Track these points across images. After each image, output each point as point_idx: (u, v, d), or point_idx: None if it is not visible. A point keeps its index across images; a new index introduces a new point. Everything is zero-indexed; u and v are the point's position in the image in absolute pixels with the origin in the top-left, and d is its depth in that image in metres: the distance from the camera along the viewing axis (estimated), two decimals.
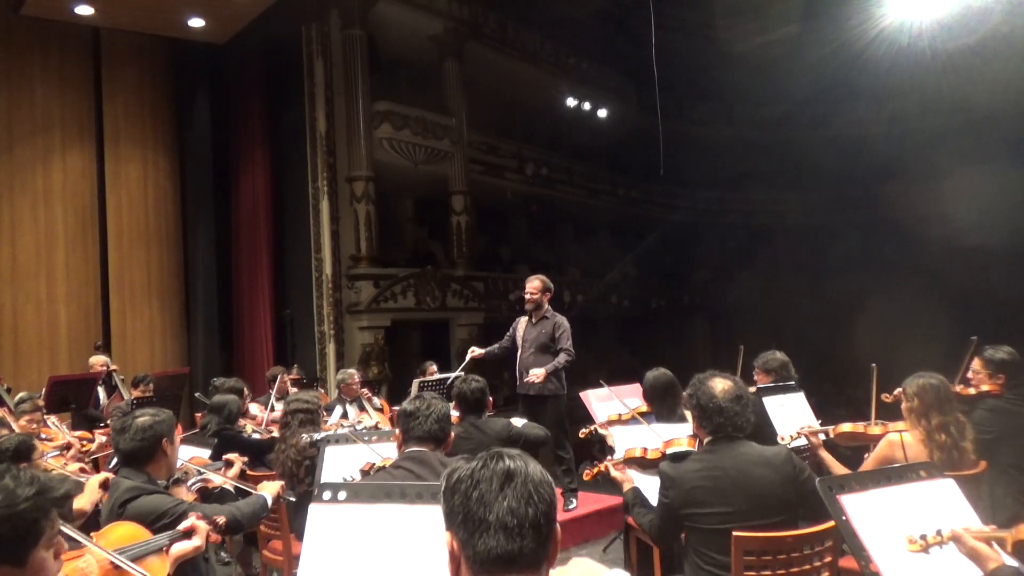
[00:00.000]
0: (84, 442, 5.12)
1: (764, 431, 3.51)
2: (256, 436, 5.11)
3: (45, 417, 5.52)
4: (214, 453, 4.12)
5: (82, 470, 3.97)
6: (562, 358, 5.35)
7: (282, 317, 10.73)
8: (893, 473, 2.19)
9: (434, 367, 7.38)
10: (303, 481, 3.90)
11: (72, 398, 6.77)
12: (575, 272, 16.44)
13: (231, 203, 11.71)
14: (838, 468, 3.22)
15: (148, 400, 6.14)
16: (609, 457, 3.33)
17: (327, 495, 1.86)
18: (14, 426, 4.59)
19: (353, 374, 6.71)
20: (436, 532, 1.71)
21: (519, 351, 5.58)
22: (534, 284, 5.55)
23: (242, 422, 5.36)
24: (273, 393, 6.46)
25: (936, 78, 13.05)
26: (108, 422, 6.50)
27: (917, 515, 2.03)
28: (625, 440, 3.45)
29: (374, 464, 3.12)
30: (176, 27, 10.42)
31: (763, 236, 19.07)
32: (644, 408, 4.04)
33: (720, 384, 2.63)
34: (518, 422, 4.21)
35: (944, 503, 2.11)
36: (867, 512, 2.05)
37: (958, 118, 14.61)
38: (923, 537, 1.89)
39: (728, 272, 18.82)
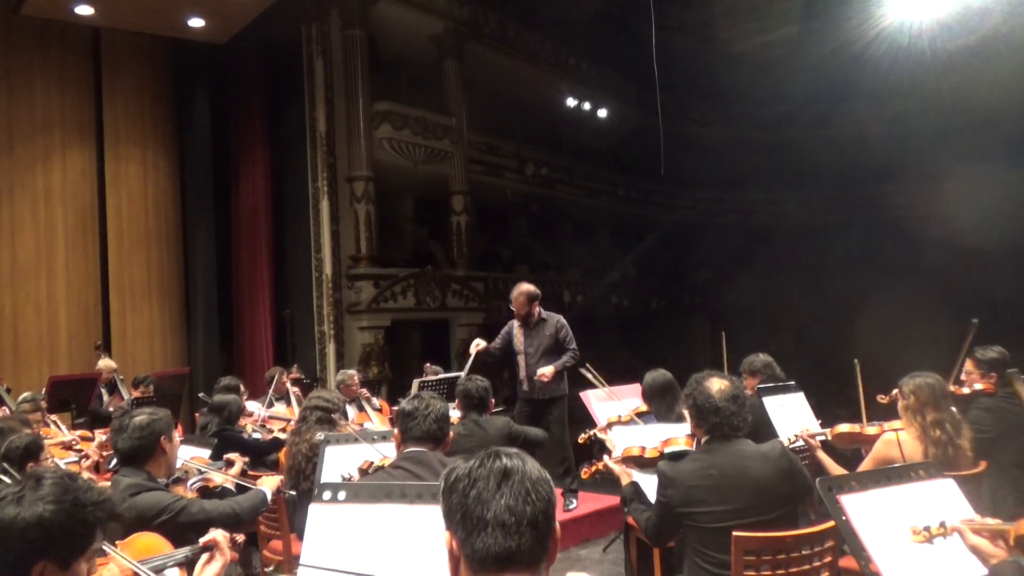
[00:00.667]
0: (84, 441, 5.12)
1: (765, 431, 3.52)
2: (257, 436, 5.11)
3: (45, 417, 5.53)
4: (214, 453, 4.12)
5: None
6: (567, 358, 5.35)
7: (282, 317, 10.74)
8: (893, 473, 2.19)
9: (437, 368, 7.39)
10: (308, 478, 3.90)
11: (72, 398, 6.79)
12: (575, 272, 16.45)
13: (231, 203, 11.71)
14: (837, 470, 3.23)
15: (148, 400, 6.15)
16: (608, 455, 3.34)
17: (327, 495, 1.86)
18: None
19: (353, 374, 6.72)
20: (436, 532, 1.71)
21: (522, 359, 5.49)
22: (519, 300, 5.43)
23: (242, 422, 5.36)
24: (271, 393, 6.46)
25: (936, 78, 13.05)
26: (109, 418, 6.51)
27: (917, 515, 2.04)
28: (624, 440, 3.46)
29: (373, 463, 3.12)
30: (176, 27, 10.41)
31: (763, 236, 19.07)
32: (643, 408, 4.04)
33: (717, 384, 2.64)
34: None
35: (944, 503, 2.11)
36: (867, 512, 2.05)
37: (958, 118, 14.62)
38: (927, 528, 1.89)
39: (728, 272, 18.82)
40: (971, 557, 1.84)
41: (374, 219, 11.05)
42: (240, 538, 2.36)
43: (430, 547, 1.70)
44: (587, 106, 15.61)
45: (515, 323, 5.57)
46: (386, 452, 3.23)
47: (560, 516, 5.23)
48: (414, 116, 11.71)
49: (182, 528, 2.68)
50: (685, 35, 15.30)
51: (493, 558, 1.17)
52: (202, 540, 2.13)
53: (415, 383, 6.14)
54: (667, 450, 2.99)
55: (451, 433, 2.77)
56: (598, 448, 3.85)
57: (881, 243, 16.57)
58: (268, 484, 3.18)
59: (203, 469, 3.42)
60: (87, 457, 4.25)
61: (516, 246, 15.64)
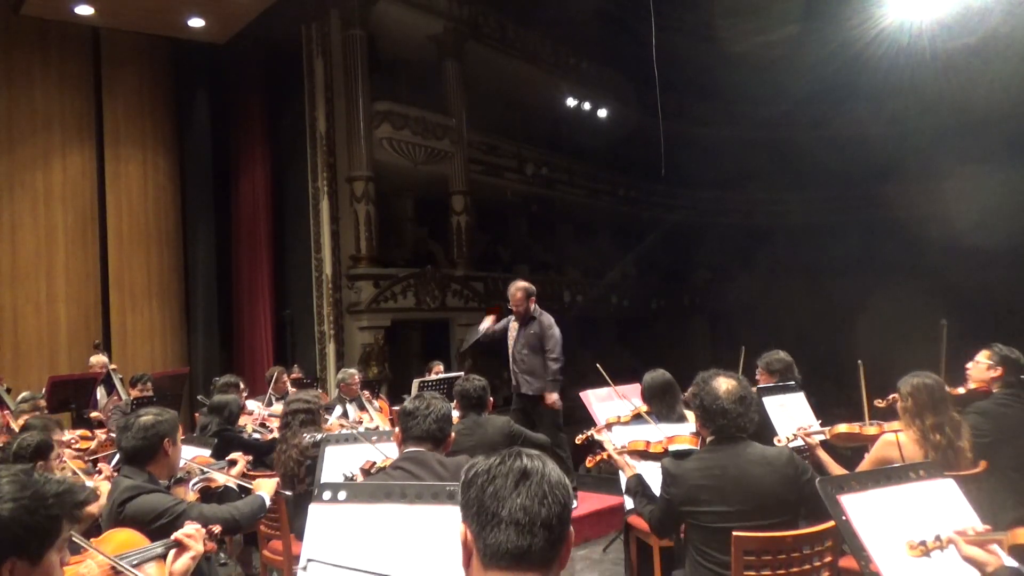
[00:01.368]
0: (84, 440, 5.12)
1: (765, 431, 3.52)
2: (256, 437, 5.11)
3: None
4: (214, 453, 4.12)
5: (84, 470, 3.97)
6: (554, 369, 5.52)
7: (282, 317, 10.74)
8: (893, 473, 2.19)
9: (440, 366, 7.39)
10: (303, 481, 3.90)
11: (72, 398, 6.78)
12: (575, 272, 16.44)
13: (231, 203, 11.71)
14: (836, 468, 3.22)
15: (148, 400, 6.14)
16: (613, 445, 3.33)
17: (327, 495, 1.86)
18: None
19: (353, 374, 6.73)
20: (436, 532, 1.72)
21: (510, 351, 5.72)
22: (516, 296, 5.66)
23: (242, 421, 5.36)
24: (270, 392, 6.46)
25: (936, 78, 13.05)
26: (103, 420, 6.51)
27: (917, 515, 2.04)
28: (625, 439, 3.45)
29: (375, 463, 3.12)
30: (176, 27, 10.41)
31: (763, 236, 19.06)
32: (644, 408, 4.04)
33: (724, 384, 2.62)
34: None
35: (944, 503, 2.11)
36: (867, 512, 2.05)
37: (958, 118, 14.62)
38: (923, 543, 1.89)
39: (728, 272, 18.82)
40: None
41: (374, 219, 11.05)
42: (216, 529, 2.37)
43: (430, 547, 1.70)
44: (587, 106, 15.61)
45: (512, 318, 5.80)
46: (386, 451, 3.23)
47: None
48: (414, 116, 11.71)
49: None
50: (685, 35, 15.31)
51: (504, 555, 1.19)
52: (174, 535, 2.14)
53: (415, 383, 6.15)
54: (672, 447, 2.99)
55: (452, 434, 2.76)
56: (597, 449, 3.85)
57: (881, 243, 16.57)
58: (266, 488, 3.18)
59: (205, 469, 3.42)
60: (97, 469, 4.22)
61: (516, 246, 15.64)
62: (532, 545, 1.18)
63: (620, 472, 3.25)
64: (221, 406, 4.98)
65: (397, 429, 2.77)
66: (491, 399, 4.35)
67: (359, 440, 3.42)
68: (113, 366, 7.65)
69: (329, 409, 6.19)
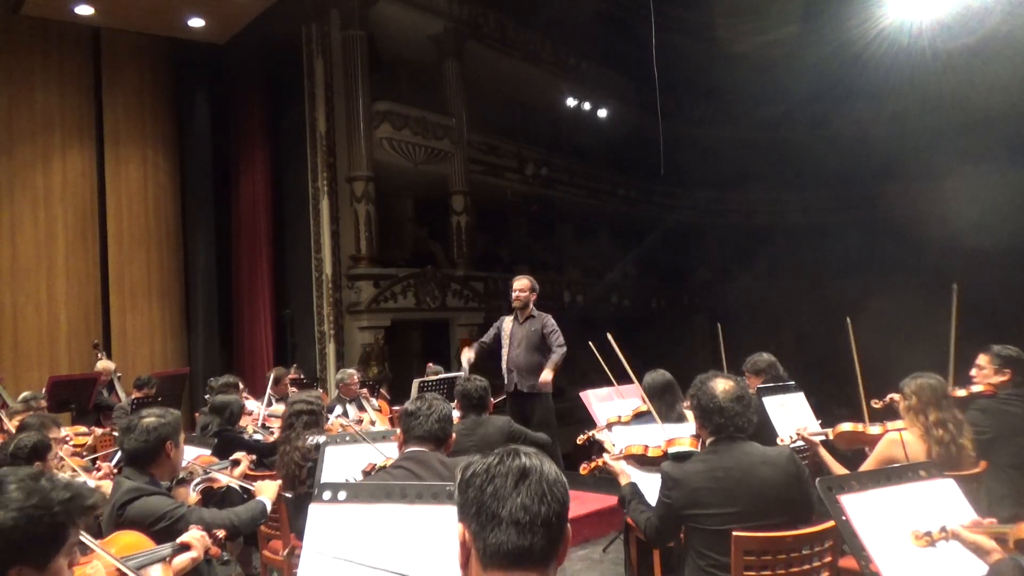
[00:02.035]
0: (79, 436, 5.12)
1: (765, 431, 3.51)
2: (257, 438, 5.11)
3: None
4: (215, 453, 4.12)
5: (83, 467, 3.97)
6: (557, 355, 5.49)
7: (282, 317, 10.74)
8: (893, 473, 2.19)
9: (438, 368, 7.39)
10: (304, 483, 3.90)
11: (72, 398, 6.79)
12: (575, 272, 16.44)
13: (231, 203, 11.71)
14: (838, 469, 3.22)
15: (149, 401, 6.14)
16: (612, 444, 3.32)
17: (327, 495, 1.86)
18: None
19: (353, 374, 6.73)
20: (436, 532, 1.72)
21: (506, 349, 5.70)
22: (522, 283, 5.67)
23: (243, 423, 5.36)
24: (270, 392, 6.46)
25: (936, 78, 13.05)
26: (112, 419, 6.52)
27: (917, 515, 2.04)
28: (624, 440, 3.45)
29: (375, 465, 3.12)
30: (176, 27, 10.42)
31: (763, 236, 19.06)
32: (644, 408, 4.04)
33: (721, 384, 2.62)
34: None
35: (944, 503, 2.11)
36: (867, 512, 2.05)
37: (958, 118, 14.62)
38: (928, 533, 1.90)
39: (728, 272, 18.81)
40: (971, 557, 1.85)
41: (374, 219, 11.05)
42: (221, 533, 2.38)
43: (430, 546, 1.70)
44: (587, 106, 15.61)
45: (506, 318, 5.80)
46: (386, 452, 3.23)
47: None
48: (414, 116, 11.71)
49: (180, 535, 2.69)
50: (685, 35, 15.32)
51: (505, 555, 1.18)
52: (180, 539, 2.14)
53: (415, 383, 6.15)
54: (671, 450, 2.96)
55: (453, 434, 2.77)
56: (597, 449, 3.85)
57: (881, 243, 16.56)
58: (268, 493, 3.18)
59: (208, 470, 3.42)
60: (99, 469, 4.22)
61: (516, 246, 15.64)
62: (533, 544, 1.18)
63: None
64: (222, 406, 4.98)
65: (399, 430, 2.77)
66: (492, 400, 4.35)
67: (359, 441, 3.41)
68: (118, 373, 7.67)
69: (329, 410, 6.19)
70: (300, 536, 2.33)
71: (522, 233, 16.05)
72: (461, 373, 5.41)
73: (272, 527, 3.87)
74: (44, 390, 6.55)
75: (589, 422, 4.45)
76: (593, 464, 3.26)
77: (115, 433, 4.65)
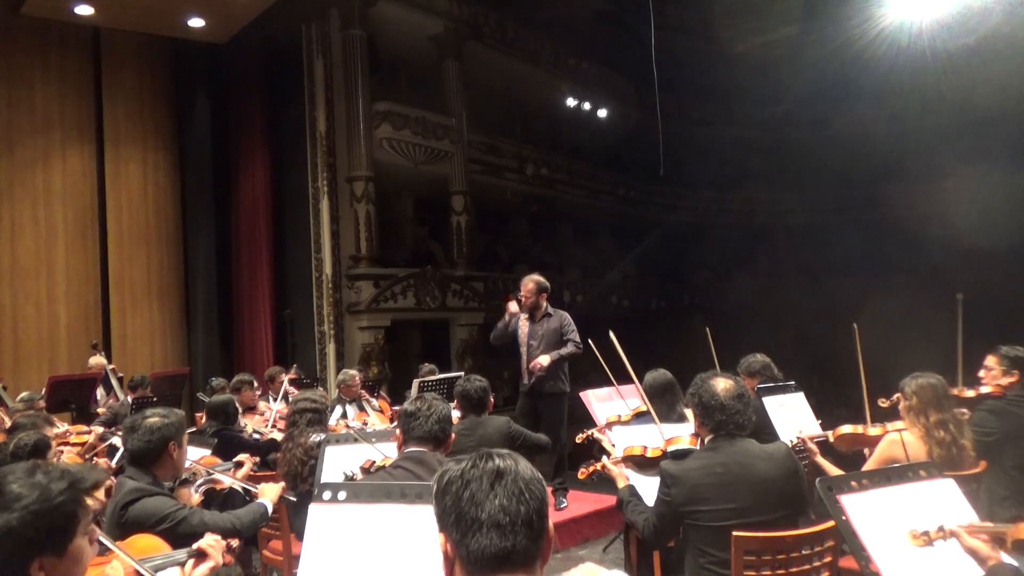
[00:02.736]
0: (79, 435, 5.12)
1: (765, 431, 3.51)
2: (256, 437, 5.11)
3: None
4: (214, 453, 4.12)
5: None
6: (569, 347, 5.38)
7: (282, 317, 10.73)
8: (893, 473, 2.19)
9: (432, 367, 7.38)
10: (306, 480, 3.90)
11: (72, 398, 6.78)
12: (575, 272, 16.43)
13: (231, 203, 11.71)
14: (836, 473, 3.21)
15: (148, 400, 6.14)
16: (612, 445, 3.32)
17: (327, 495, 1.86)
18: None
19: (354, 375, 6.72)
20: (435, 532, 1.72)
21: (524, 348, 5.54)
22: (528, 287, 5.52)
23: (242, 421, 5.36)
24: (271, 393, 6.46)
25: (936, 78, 13.05)
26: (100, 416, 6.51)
27: (917, 515, 2.03)
28: (625, 440, 3.45)
29: (375, 462, 3.12)
30: (176, 27, 10.42)
31: (763, 236, 19.05)
32: (643, 408, 4.03)
33: (722, 383, 2.64)
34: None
35: (944, 503, 2.11)
36: (867, 512, 2.05)
37: (958, 118, 14.60)
38: (926, 533, 1.90)
39: (728, 272, 18.80)
40: (969, 558, 1.85)
41: (374, 219, 11.05)
42: (235, 543, 2.38)
43: (430, 546, 1.70)
44: (587, 106, 15.60)
45: (522, 316, 5.62)
46: (386, 452, 3.23)
47: (559, 516, 5.24)
48: (414, 116, 11.70)
49: (181, 537, 2.69)
50: (685, 35, 15.31)
51: (489, 558, 1.18)
52: (196, 544, 2.15)
53: (415, 383, 6.14)
54: (670, 448, 2.97)
55: (453, 435, 2.77)
56: (597, 448, 3.85)
57: (881, 243, 16.56)
58: (270, 495, 3.18)
59: (211, 471, 3.42)
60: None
61: (516, 246, 15.63)
62: (515, 545, 1.18)
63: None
64: (219, 407, 4.99)
65: (398, 430, 2.77)
66: (491, 400, 4.35)
67: (359, 440, 3.41)
68: (112, 366, 7.64)
69: (330, 409, 6.19)
70: (300, 536, 2.33)
71: (522, 233, 16.04)
72: (461, 373, 5.39)
73: (272, 527, 3.87)
74: (44, 390, 6.55)
75: (589, 422, 4.45)
76: (592, 468, 3.26)
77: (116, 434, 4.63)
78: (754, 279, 17.70)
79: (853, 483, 2.12)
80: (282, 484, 3.41)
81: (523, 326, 5.60)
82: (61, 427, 5.14)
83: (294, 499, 3.54)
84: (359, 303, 10.81)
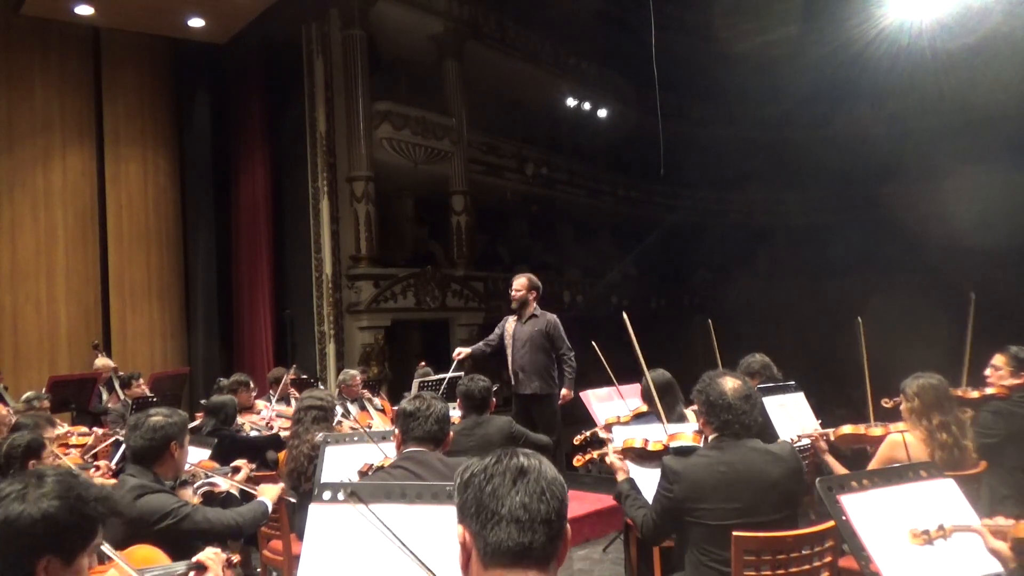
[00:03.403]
0: (80, 436, 5.12)
1: (766, 432, 3.51)
2: (255, 434, 5.11)
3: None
4: (213, 453, 4.13)
5: (80, 465, 3.97)
6: (569, 370, 5.46)
7: (282, 317, 10.73)
8: (893, 473, 2.19)
9: (428, 368, 7.38)
10: (310, 479, 3.90)
11: (72, 398, 6.78)
12: (575, 272, 16.44)
13: (231, 203, 11.71)
14: (841, 471, 3.21)
15: (148, 400, 6.14)
16: (611, 442, 3.28)
17: (327, 495, 1.86)
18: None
19: (355, 375, 6.72)
20: (436, 532, 1.72)
21: (510, 350, 5.57)
22: (520, 282, 5.55)
23: (240, 420, 5.36)
24: (271, 392, 6.45)
25: (936, 78, 13.06)
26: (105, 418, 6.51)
27: (917, 515, 2.04)
28: (626, 437, 3.43)
29: (372, 465, 3.12)
30: (176, 27, 10.42)
31: (763, 236, 19.05)
32: (644, 408, 4.03)
33: (730, 382, 2.62)
34: None
35: (944, 503, 2.11)
36: (867, 512, 2.05)
37: (958, 118, 14.61)
38: (926, 532, 1.90)
39: (728, 272, 18.81)
40: (970, 557, 1.85)
41: (374, 219, 11.05)
42: (236, 558, 2.37)
43: (430, 546, 1.70)
44: (587, 106, 15.61)
45: (509, 318, 5.66)
46: (387, 452, 3.22)
47: None
48: (414, 116, 11.70)
49: (183, 534, 2.68)
50: (685, 35, 15.32)
51: (506, 552, 1.20)
52: (196, 557, 2.14)
53: (415, 383, 6.14)
54: (673, 444, 2.95)
55: (451, 433, 2.77)
56: (596, 445, 3.84)
57: (881, 243, 16.55)
58: (269, 494, 3.18)
59: (210, 474, 3.42)
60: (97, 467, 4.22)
61: (516, 246, 15.63)
62: (533, 542, 1.19)
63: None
64: (219, 407, 4.99)
65: (397, 430, 2.76)
66: (494, 400, 4.34)
67: (359, 440, 3.41)
68: (115, 367, 7.65)
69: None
70: (300, 535, 2.33)
71: (522, 233, 16.04)
72: (461, 373, 5.39)
73: (272, 527, 3.87)
74: (44, 390, 6.54)
75: (589, 422, 4.44)
76: (588, 456, 3.22)
77: (118, 433, 4.64)
78: (754, 279, 17.71)
79: (853, 483, 2.13)
80: (281, 485, 3.41)
81: (510, 327, 5.61)
82: (63, 428, 5.14)
83: (294, 500, 3.54)
84: (359, 303, 10.81)
